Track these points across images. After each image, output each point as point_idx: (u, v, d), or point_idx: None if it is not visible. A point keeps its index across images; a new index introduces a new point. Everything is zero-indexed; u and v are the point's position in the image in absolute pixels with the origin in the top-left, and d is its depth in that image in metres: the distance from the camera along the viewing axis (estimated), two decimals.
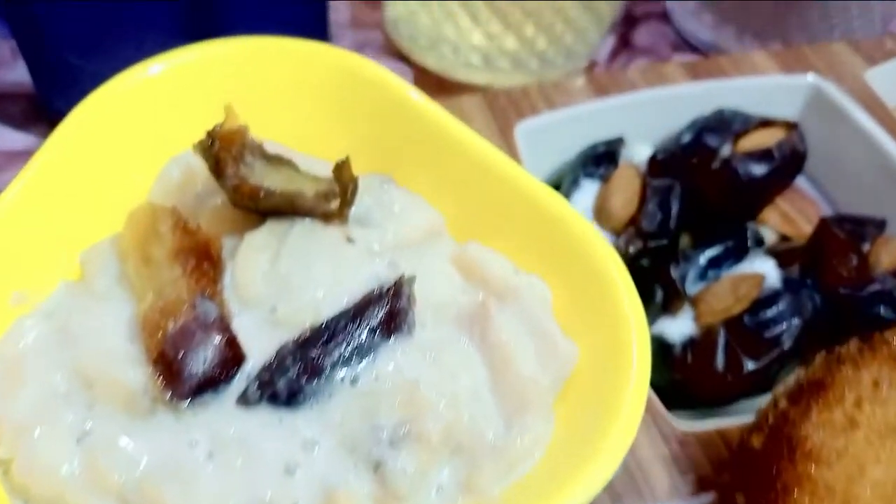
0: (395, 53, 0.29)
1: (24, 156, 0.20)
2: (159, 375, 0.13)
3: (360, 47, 0.29)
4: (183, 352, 0.13)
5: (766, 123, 0.24)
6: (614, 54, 0.30)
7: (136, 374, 0.14)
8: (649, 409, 0.17)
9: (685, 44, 0.32)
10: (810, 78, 0.25)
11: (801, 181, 0.25)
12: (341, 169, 0.16)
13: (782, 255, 0.21)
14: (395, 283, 0.14)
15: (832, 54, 0.26)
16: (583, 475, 0.13)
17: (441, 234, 0.17)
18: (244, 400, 0.14)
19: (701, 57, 0.30)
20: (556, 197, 0.16)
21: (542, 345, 0.15)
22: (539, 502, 0.13)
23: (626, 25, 0.32)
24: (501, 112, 0.22)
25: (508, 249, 0.16)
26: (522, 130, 0.22)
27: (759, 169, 0.22)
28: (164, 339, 0.13)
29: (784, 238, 0.24)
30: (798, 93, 0.25)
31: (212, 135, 0.15)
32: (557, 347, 0.14)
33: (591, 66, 0.30)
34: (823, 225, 0.21)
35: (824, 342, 0.19)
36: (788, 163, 0.23)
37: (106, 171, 0.17)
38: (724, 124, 0.23)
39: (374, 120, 0.18)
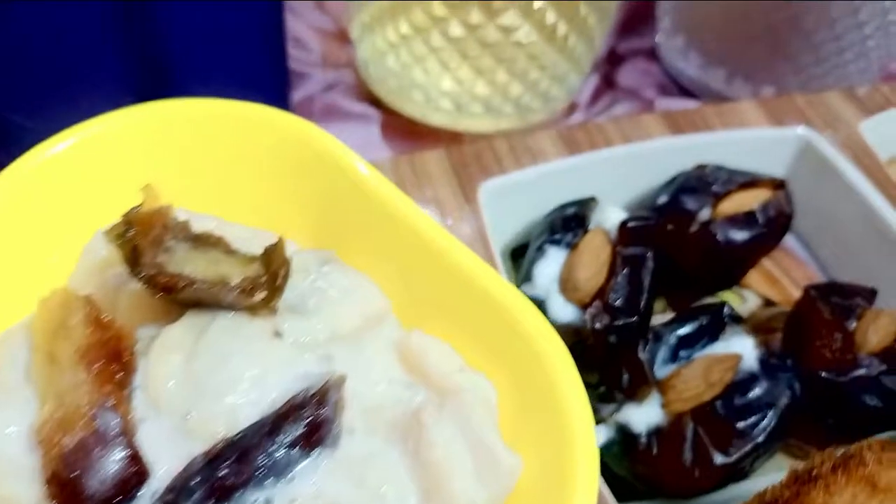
0: (365, 95, 0.28)
1: None
2: (52, 497, 0.12)
3: (328, 87, 0.28)
4: (79, 471, 0.12)
5: (750, 183, 0.22)
6: (596, 96, 0.29)
7: (31, 492, 0.12)
8: None
9: (673, 83, 0.30)
10: (801, 130, 0.23)
11: (788, 239, 0.24)
12: (271, 255, 0.14)
13: (761, 330, 0.20)
14: (321, 389, 0.13)
15: (825, 104, 0.25)
16: None
17: (384, 320, 0.16)
18: None
19: (688, 99, 0.29)
20: (510, 290, 0.14)
21: (481, 458, 0.13)
22: None
23: (610, 64, 0.30)
24: (465, 169, 0.21)
25: (457, 341, 0.15)
26: (486, 190, 0.20)
27: (740, 234, 0.21)
28: (59, 456, 0.12)
29: (768, 303, 0.23)
30: (788, 146, 0.23)
31: (127, 219, 0.14)
32: (498, 461, 0.13)
33: (571, 108, 0.29)
34: (807, 298, 0.20)
35: (803, 433, 0.18)
36: (774, 226, 0.22)
37: (28, 245, 0.16)
38: (705, 184, 0.22)
39: (322, 193, 0.17)
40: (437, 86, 0.25)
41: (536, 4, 0.22)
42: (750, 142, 0.23)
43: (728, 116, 0.23)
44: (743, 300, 0.22)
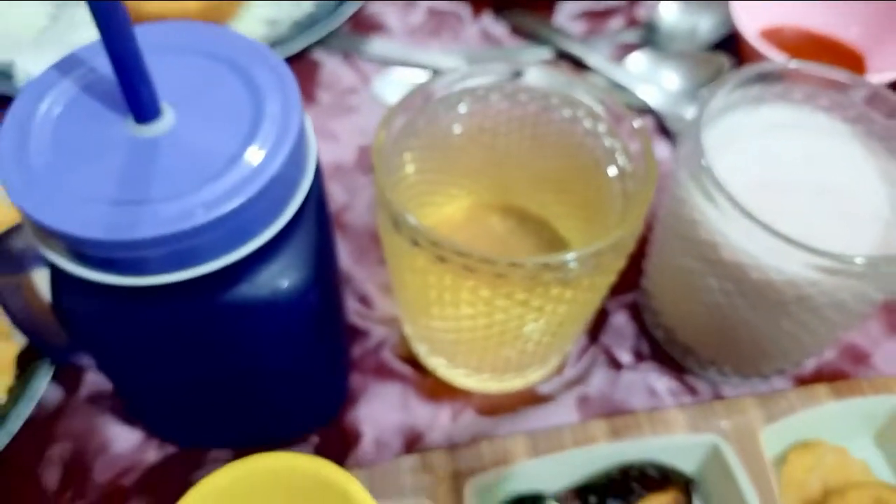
0: (405, 354, 0.37)
1: None
2: None
3: (382, 343, 0.38)
4: None
5: (663, 480, 0.31)
6: (582, 352, 0.38)
7: None
8: None
9: (647, 341, 0.38)
10: (710, 437, 0.32)
11: None
12: None
13: None
14: None
15: (739, 411, 0.33)
16: None
17: None
18: None
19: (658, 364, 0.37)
20: None
21: None
22: None
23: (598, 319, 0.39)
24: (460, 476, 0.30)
25: None
26: (471, 485, 0.30)
27: None
28: None
29: None
30: (700, 450, 0.32)
31: None
32: None
33: (561, 366, 0.37)
34: None
35: None
36: None
37: None
38: (625, 488, 0.31)
39: None
40: (454, 360, 0.34)
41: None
42: (672, 445, 0.32)
43: (657, 423, 0.32)
44: None
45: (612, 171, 0.32)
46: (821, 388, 0.33)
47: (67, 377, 0.36)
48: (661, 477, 0.31)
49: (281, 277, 0.25)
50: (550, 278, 0.27)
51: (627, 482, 0.31)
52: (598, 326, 0.38)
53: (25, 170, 0.22)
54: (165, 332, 0.26)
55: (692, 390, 0.36)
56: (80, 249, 0.22)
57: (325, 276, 0.28)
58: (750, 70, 0.33)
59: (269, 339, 0.27)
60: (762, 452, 0.31)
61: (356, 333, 0.38)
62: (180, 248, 0.22)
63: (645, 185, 0.29)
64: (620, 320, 0.39)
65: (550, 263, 0.27)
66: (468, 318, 0.30)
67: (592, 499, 0.30)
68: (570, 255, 0.26)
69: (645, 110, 0.48)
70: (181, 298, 0.24)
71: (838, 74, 0.33)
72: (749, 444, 0.32)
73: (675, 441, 0.32)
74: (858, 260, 0.27)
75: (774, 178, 0.32)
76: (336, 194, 0.43)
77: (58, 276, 0.25)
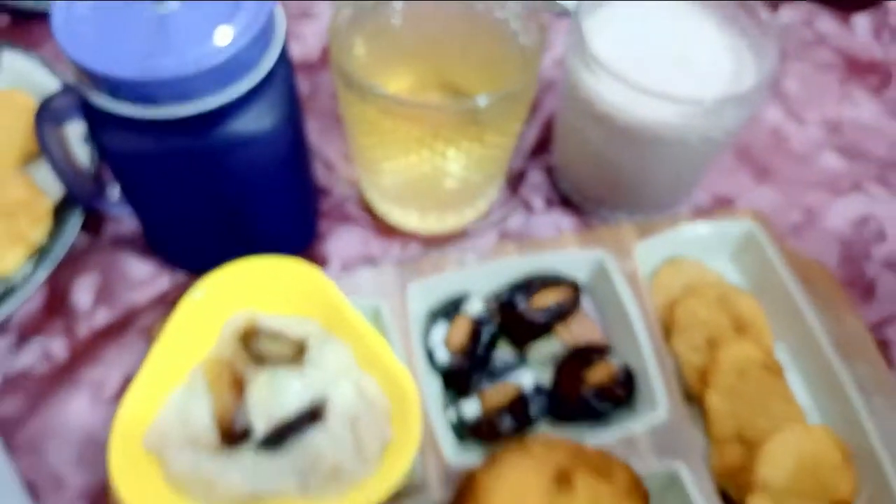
0: (364, 205, 0.47)
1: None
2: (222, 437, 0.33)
3: (345, 199, 0.47)
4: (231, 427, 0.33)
5: (556, 282, 0.41)
6: (504, 201, 0.47)
7: (212, 437, 0.33)
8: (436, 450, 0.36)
9: (556, 195, 0.48)
10: (597, 253, 0.42)
11: (589, 308, 0.42)
12: (301, 341, 0.34)
13: (546, 367, 0.39)
14: (320, 400, 0.33)
15: (618, 232, 0.42)
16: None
17: (350, 367, 0.35)
18: (259, 448, 0.33)
19: (566, 209, 0.47)
20: (388, 352, 0.34)
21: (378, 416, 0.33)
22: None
23: (518, 177, 0.48)
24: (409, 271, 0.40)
25: (375, 375, 0.35)
26: (413, 287, 0.39)
27: (540, 317, 0.40)
28: (223, 423, 0.33)
29: (569, 347, 0.42)
30: (588, 263, 0.42)
31: (244, 332, 0.34)
32: (383, 415, 0.33)
33: (488, 213, 0.47)
34: (567, 355, 0.39)
35: (553, 422, 0.38)
36: (565, 311, 0.40)
37: (203, 326, 0.36)
38: (528, 286, 0.40)
39: (318, 301, 0.36)
40: (402, 203, 0.44)
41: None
42: (567, 259, 0.42)
43: (555, 244, 0.42)
44: (554, 341, 0.41)
45: (518, 43, 0.41)
46: (683, 216, 0.43)
47: (93, 224, 0.45)
48: (556, 281, 0.41)
49: (262, 118, 0.34)
50: (469, 118, 0.36)
51: (530, 284, 0.40)
52: (518, 182, 0.48)
53: (75, 33, 0.31)
54: (176, 160, 0.35)
55: (589, 227, 0.46)
56: (114, 89, 0.31)
57: (294, 122, 0.37)
58: None
59: (254, 167, 0.36)
60: (635, 262, 0.41)
61: (323, 192, 0.47)
62: (188, 87, 0.31)
63: (535, 53, 0.38)
64: (536, 177, 0.48)
65: (467, 105, 0.36)
66: (407, 160, 0.39)
67: (504, 295, 0.40)
68: (481, 98, 0.36)
69: (565, 13, 0.57)
70: (189, 132, 0.33)
71: None
72: (625, 256, 0.41)
73: (568, 256, 0.41)
74: (704, 102, 0.37)
75: (642, 52, 0.41)
76: (303, 85, 0.52)
77: (95, 116, 0.33)
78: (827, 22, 0.59)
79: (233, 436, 0.33)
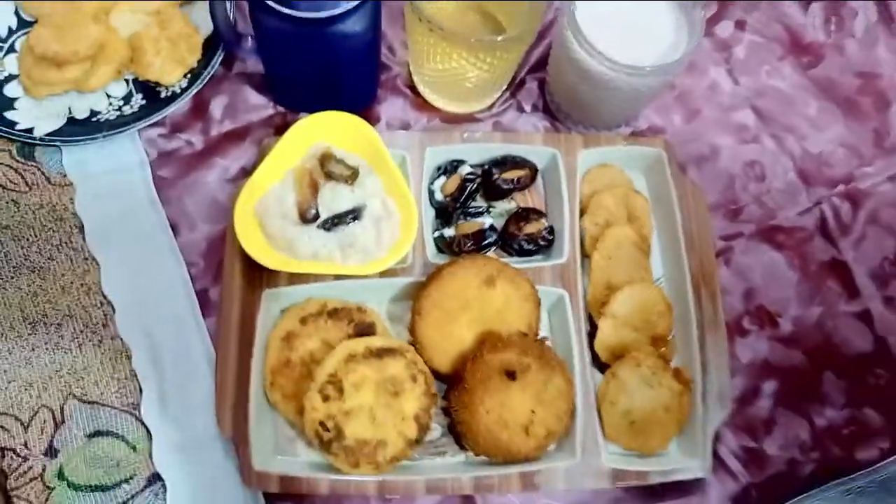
0: (410, 83, 0.66)
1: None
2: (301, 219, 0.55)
3: (397, 75, 0.67)
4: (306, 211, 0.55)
5: (522, 164, 0.62)
6: (505, 100, 0.67)
7: (294, 215, 0.56)
8: None
9: (543, 102, 0.67)
10: (553, 150, 0.62)
11: (539, 185, 0.64)
12: (356, 168, 0.56)
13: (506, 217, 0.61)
14: (360, 206, 0.56)
15: (570, 139, 0.63)
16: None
17: (381, 190, 0.57)
18: (320, 227, 0.56)
19: (545, 116, 0.67)
20: (405, 188, 0.56)
21: (392, 222, 0.56)
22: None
23: (518, 85, 0.67)
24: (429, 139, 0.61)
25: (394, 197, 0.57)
26: (429, 150, 0.61)
27: (506, 185, 0.61)
28: (301, 208, 0.55)
29: (520, 207, 0.63)
30: (547, 156, 0.62)
31: (322, 156, 0.56)
32: (396, 223, 0.56)
33: (492, 104, 0.67)
34: (516, 211, 0.60)
35: (498, 252, 0.61)
36: (523, 184, 0.62)
37: (293, 148, 0.58)
38: (503, 163, 0.61)
39: (366, 144, 0.58)
40: (435, 90, 0.64)
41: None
42: (534, 151, 0.62)
43: (528, 138, 0.62)
44: (511, 202, 0.63)
45: None
46: (619, 137, 0.64)
47: (227, 61, 0.65)
48: (522, 163, 0.62)
49: (359, 22, 0.54)
50: (486, 45, 0.56)
51: (505, 161, 0.61)
52: (517, 88, 0.68)
53: None
54: (302, 40, 0.55)
55: (558, 130, 0.66)
56: None
57: (377, 24, 0.58)
58: None
59: (348, 50, 0.57)
60: (576, 162, 0.62)
61: (384, 68, 0.67)
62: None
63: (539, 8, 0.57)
64: (532, 87, 0.68)
65: (492, 39, 0.56)
66: (443, 63, 0.59)
67: (486, 166, 0.61)
68: (500, 37, 0.55)
69: None
70: (316, 25, 0.53)
71: None
72: (571, 157, 0.62)
73: (534, 148, 0.62)
74: (643, 70, 0.56)
75: (616, 24, 0.59)
76: None
77: (255, 3, 0.53)
78: (791, 6, 0.75)
79: (306, 217, 0.56)
